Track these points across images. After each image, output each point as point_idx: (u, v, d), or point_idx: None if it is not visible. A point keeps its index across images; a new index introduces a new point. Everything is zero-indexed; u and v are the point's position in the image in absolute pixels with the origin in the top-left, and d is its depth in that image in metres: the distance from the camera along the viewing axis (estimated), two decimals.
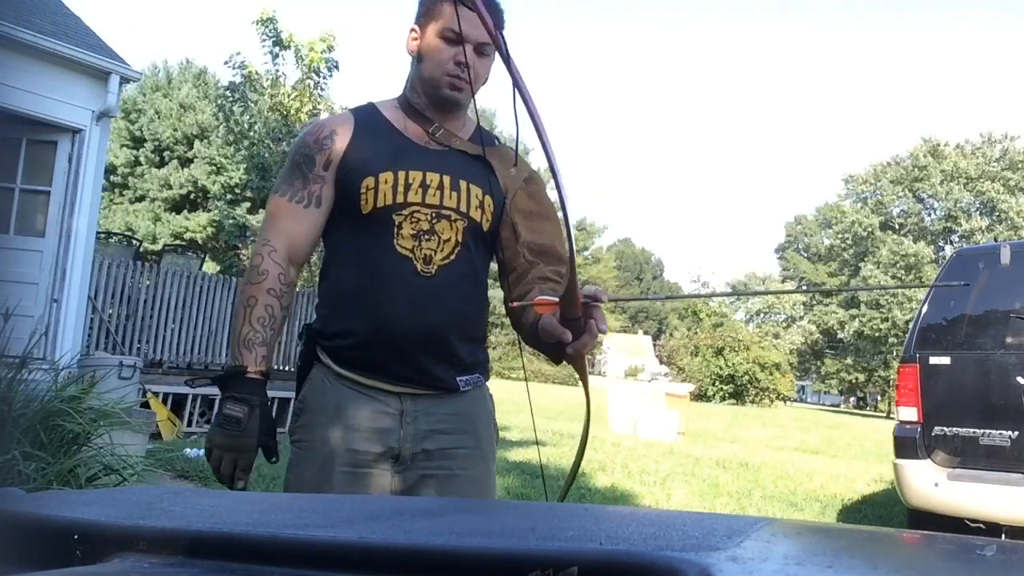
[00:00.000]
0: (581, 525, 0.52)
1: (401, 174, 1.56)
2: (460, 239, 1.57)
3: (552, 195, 1.61)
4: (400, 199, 1.54)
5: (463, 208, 1.58)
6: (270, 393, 1.55)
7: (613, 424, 12.26)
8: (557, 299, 1.33)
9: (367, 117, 1.64)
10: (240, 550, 0.46)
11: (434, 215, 1.55)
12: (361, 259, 1.55)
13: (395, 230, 1.54)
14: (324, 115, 11.17)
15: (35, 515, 0.52)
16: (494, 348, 40.62)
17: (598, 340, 1.39)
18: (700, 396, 30.95)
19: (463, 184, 1.59)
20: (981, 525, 4.32)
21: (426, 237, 1.54)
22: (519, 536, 0.47)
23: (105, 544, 0.47)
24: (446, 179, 1.58)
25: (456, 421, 1.58)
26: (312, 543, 0.45)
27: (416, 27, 1.62)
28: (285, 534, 0.47)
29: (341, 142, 1.59)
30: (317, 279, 1.68)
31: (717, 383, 33.85)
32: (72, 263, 7.09)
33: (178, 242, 26.05)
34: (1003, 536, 4.24)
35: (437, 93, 1.59)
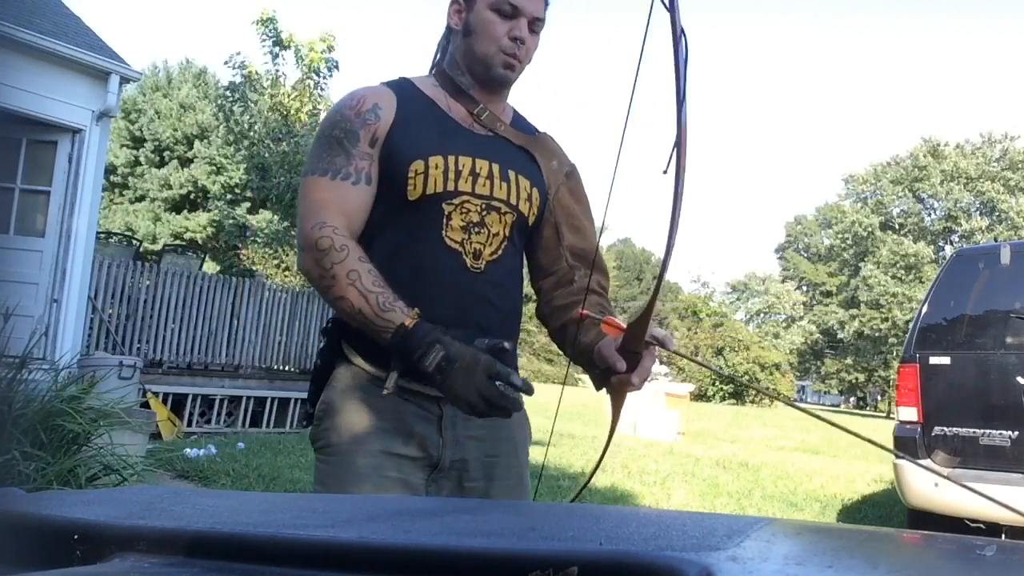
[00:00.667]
0: (581, 525, 0.52)
1: (451, 159, 1.42)
2: (507, 233, 1.47)
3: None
4: (451, 187, 1.41)
5: (513, 200, 1.46)
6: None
7: None
8: (625, 325, 1.28)
9: (407, 92, 1.48)
10: (240, 550, 0.46)
11: (484, 206, 1.43)
12: (404, 250, 1.41)
13: (444, 220, 1.41)
14: (324, 115, 11.16)
15: (35, 515, 0.52)
16: None
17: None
18: (700, 396, 30.96)
19: (512, 174, 1.48)
20: (981, 525, 4.32)
21: (476, 230, 1.43)
22: (519, 536, 0.47)
23: (105, 544, 0.47)
24: (495, 167, 1.46)
25: (494, 427, 1.47)
26: (312, 543, 0.45)
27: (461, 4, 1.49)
28: (285, 534, 0.47)
29: (386, 118, 1.43)
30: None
31: (717, 383, 33.87)
32: (72, 263, 7.09)
33: (178, 242, 26.06)
34: (1003, 536, 4.24)
35: (488, 72, 1.47)
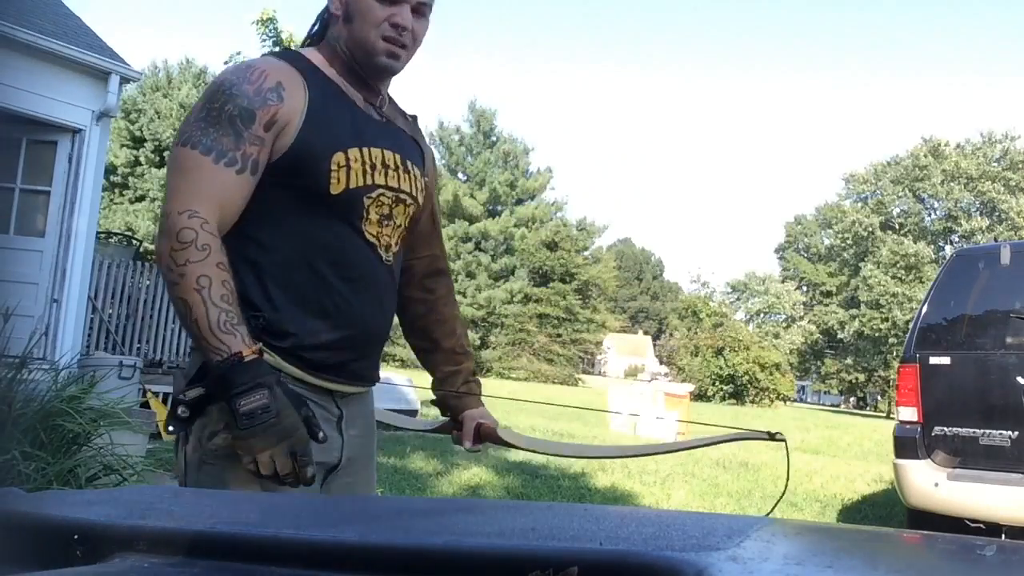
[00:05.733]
0: (581, 525, 0.51)
1: (366, 151, 1.39)
2: (406, 225, 1.49)
3: None
4: (370, 180, 1.39)
5: (414, 192, 1.48)
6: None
7: (613, 424, 12.26)
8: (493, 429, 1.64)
9: (313, 75, 1.40)
10: (240, 550, 0.46)
11: (394, 199, 1.44)
12: (323, 244, 1.36)
13: (364, 213, 1.39)
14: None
15: (35, 515, 0.52)
16: (493, 348, 40.57)
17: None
18: (700, 396, 30.94)
19: (410, 165, 1.48)
20: (981, 525, 4.32)
21: (386, 222, 1.43)
22: (519, 536, 0.47)
23: (105, 544, 0.47)
24: (398, 159, 1.45)
25: (366, 419, 1.49)
26: (312, 543, 0.45)
27: None
28: (285, 534, 0.47)
29: (294, 103, 1.33)
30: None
31: (717, 383, 33.84)
32: (72, 263, 7.09)
33: None
34: (1003, 536, 4.24)
35: (370, 61, 1.40)
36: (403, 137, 1.51)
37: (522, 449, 1.78)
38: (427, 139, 1.65)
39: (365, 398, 1.49)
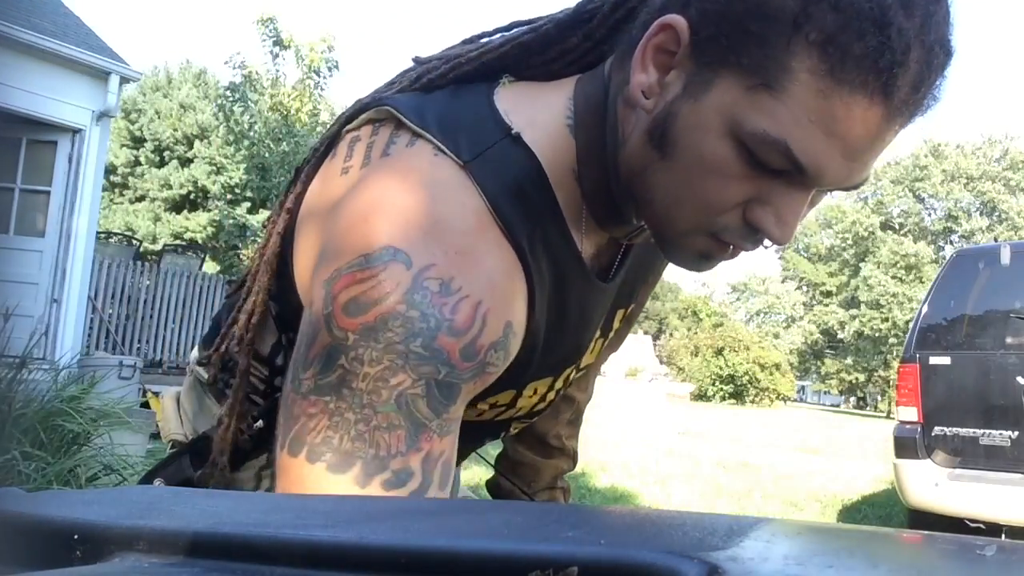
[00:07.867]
0: (581, 525, 0.52)
1: (562, 377, 0.86)
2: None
3: None
4: (540, 406, 0.88)
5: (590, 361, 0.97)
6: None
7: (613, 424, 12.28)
8: None
9: (544, 262, 0.71)
10: (240, 550, 0.46)
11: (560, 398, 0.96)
12: None
13: (503, 432, 0.94)
14: (324, 116, 11.14)
15: (35, 515, 0.52)
16: None
17: None
18: (700, 396, 30.96)
19: (614, 324, 0.94)
20: (981, 525, 4.32)
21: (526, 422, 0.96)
22: (519, 536, 0.47)
23: (105, 544, 0.47)
24: (598, 345, 0.91)
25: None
26: (312, 543, 0.45)
27: (679, 55, 0.65)
28: (285, 534, 0.47)
29: (513, 348, 0.70)
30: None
31: (717, 383, 33.86)
32: (72, 263, 7.10)
33: (178, 242, 26.07)
34: (1003, 536, 4.24)
35: (665, 249, 0.74)
36: (629, 275, 0.87)
37: None
38: None
39: None
